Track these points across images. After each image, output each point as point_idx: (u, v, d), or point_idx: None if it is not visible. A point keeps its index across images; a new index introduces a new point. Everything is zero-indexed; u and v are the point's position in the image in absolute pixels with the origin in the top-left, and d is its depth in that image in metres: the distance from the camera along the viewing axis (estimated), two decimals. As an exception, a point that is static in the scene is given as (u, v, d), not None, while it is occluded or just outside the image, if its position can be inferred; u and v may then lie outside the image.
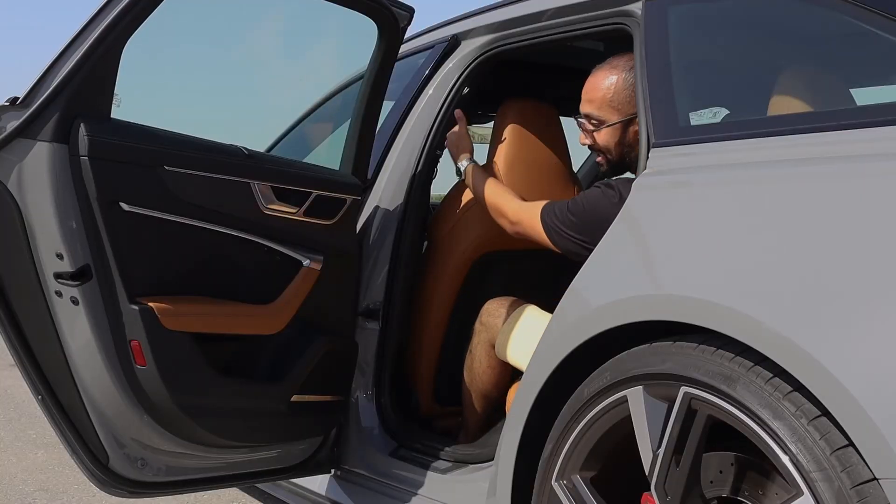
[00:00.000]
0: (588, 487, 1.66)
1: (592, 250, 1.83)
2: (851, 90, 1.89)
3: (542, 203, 2.17)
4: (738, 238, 1.53)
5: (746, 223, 1.54)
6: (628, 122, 2.11)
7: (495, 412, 2.43)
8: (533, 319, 2.26)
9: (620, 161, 2.18)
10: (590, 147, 2.21)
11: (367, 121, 2.48)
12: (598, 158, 2.22)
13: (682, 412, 1.48)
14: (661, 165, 1.79)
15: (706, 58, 2.07)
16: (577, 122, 2.22)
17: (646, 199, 1.76)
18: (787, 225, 1.47)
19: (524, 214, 2.23)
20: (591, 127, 2.16)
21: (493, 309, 2.37)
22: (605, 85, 2.12)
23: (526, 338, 2.19)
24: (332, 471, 2.53)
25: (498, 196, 2.32)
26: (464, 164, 2.48)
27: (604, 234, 1.82)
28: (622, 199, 1.85)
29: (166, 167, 2.02)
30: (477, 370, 2.40)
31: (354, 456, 2.49)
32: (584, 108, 2.17)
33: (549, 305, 1.95)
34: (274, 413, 2.25)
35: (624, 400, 1.57)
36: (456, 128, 2.52)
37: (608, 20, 2.16)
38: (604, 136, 2.14)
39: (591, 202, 2.04)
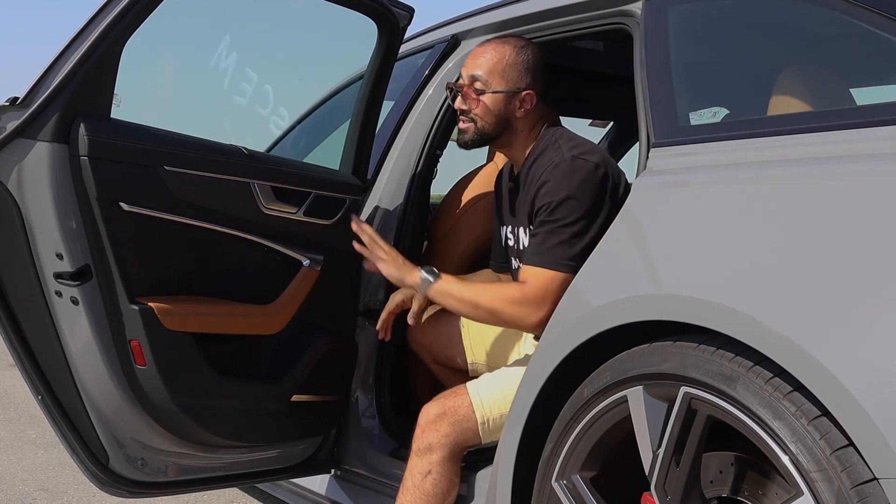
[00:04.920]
0: (588, 487, 1.66)
1: None
2: (851, 90, 1.89)
3: (538, 271, 1.97)
4: (739, 238, 1.53)
5: (746, 223, 1.53)
6: (511, 95, 2.12)
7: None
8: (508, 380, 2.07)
9: (492, 135, 2.16)
10: (462, 112, 2.17)
11: (367, 121, 2.48)
12: (464, 125, 2.16)
13: (682, 412, 1.48)
14: (660, 165, 1.79)
15: (706, 57, 2.07)
16: (455, 85, 2.18)
17: (646, 199, 1.76)
18: (787, 225, 1.47)
19: (546, 288, 1.96)
20: (474, 92, 2.13)
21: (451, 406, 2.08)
22: (495, 54, 2.14)
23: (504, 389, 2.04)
24: (332, 471, 2.54)
25: (500, 294, 2.02)
26: (429, 278, 2.07)
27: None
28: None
29: (166, 167, 2.02)
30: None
31: (354, 456, 2.49)
32: (469, 70, 2.15)
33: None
34: (274, 413, 2.25)
35: (624, 400, 1.57)
36: (375, 248, 2.12)
37: (608, 20, 2.16)
38: (483, 105, 2.13)
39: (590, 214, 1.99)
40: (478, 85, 2.14)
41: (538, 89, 2.15)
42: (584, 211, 1.98)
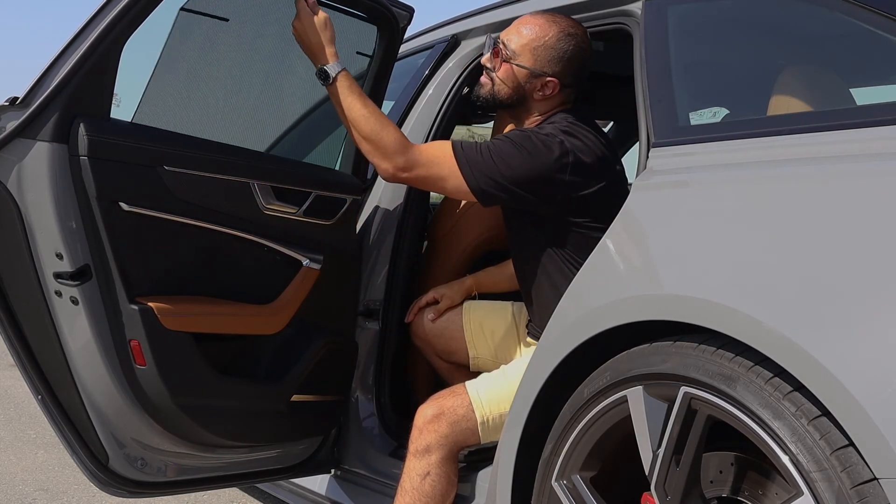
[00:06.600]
0: (588, 487, 1.66)
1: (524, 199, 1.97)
2: (851, 90, 1.89)
3: (443, 142, 2.11)
4: (738, 237, 1.53)
5: (746, 223, 1.53)
6: (534, 76, 2.12)
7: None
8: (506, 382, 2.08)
9: (504, 102, 2.18)
10: (486, 68, 2.19)
11: (367, 121, 2.47)
12: (483, 80, 2.20)
13: (682, 412, 1.48)
14: (660, 165, 1.79)
15: (706, 57, 2.07)
16: (492, 39, 2.20)
17: (645, 199, 1.76)
18: (787, 224, 1.47)
19: (428, 154, 2.05)
20: (502, 56, 2.14)
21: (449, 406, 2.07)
22: (537, 30, 2.12)
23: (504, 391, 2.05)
24: (332, 471, 2.54)
25: (386, 129, 2.06)
26: (334, 68, 2.10)
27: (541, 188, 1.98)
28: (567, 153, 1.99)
29: (166, 167, 2.02)
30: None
31: (354, 456, 2.49)
32: (507, 35, 2.16)
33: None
34: (274, 413, 2.25)
35: (624, 400, 1.57)
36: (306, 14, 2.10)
37: (608, 20, 2.16)
38: (506, 71, 2.14)
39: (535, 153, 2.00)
40: (508, 52, 2.14)
41: (565, 81, 2.13)
42: (518, 159, 1.99)
